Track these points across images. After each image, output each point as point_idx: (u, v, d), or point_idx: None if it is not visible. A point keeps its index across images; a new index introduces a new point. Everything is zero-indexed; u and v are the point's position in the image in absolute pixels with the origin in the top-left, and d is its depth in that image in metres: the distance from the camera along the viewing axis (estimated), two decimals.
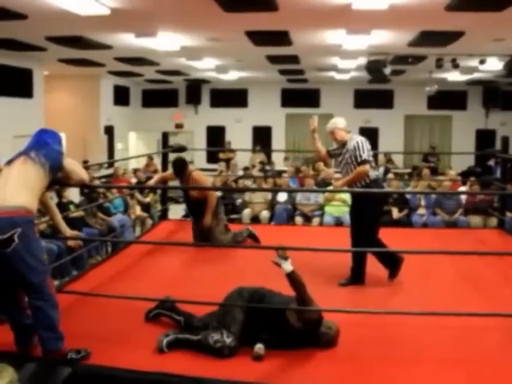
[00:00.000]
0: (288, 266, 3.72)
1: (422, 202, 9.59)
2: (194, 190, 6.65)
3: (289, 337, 3.69)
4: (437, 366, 3.49)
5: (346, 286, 5.07)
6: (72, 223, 6.75)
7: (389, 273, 5.18)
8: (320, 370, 3.47)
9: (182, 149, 8.02)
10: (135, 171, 13.06)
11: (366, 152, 5.06)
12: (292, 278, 3.72)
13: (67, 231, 4.20)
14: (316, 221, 9.67)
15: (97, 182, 9.90)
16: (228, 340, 3.60)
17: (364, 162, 5.02)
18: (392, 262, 5.15)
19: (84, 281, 5.28)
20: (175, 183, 7.37)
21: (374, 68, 10.14)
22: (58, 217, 4.21)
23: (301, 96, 17.05)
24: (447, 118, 16.87)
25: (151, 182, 7.40)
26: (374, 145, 16.61)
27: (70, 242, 4.57)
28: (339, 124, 5.30)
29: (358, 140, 5.12)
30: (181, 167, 6.71)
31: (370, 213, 5.06)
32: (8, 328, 3.66)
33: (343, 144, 5.25)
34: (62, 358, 3.44)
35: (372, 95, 16.40)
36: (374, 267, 5.33)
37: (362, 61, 10.59)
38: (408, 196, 9.68)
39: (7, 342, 3.61)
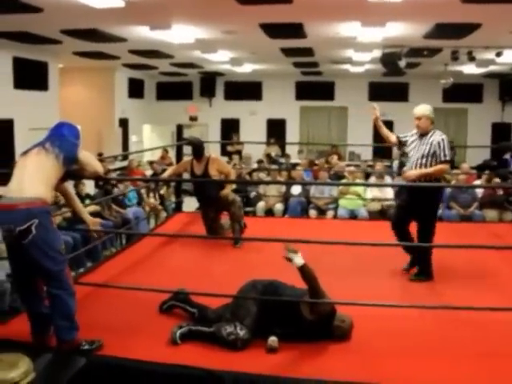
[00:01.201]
0: (299, 260, 3.71)
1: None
2: (214, 170, 6.62)
3: (302, 330, 3.69)
4: (453, 360, 3.47)
5: (364, 279, 5.04)
6: None
7: (417, 271, 5.17)
8: (333, 363, 3.46)
9: (196, 141, 7.96)
10: (151, 163, 13.09)
11: (448, 151, 5.00)
12: (304, 271, 3.71)
13: (89, 219, 4.25)
14: (330, 214, 9.65)
15: (112, 175, 9.94)
16: (241, 332, 3.60)
17: (447, 161, 4.99)
18: (426, 263, 5.13)
19: (98, 272, 5.32)
20: (187, 176, 7.35)
21: (389, 61, 10.06)
22: (80, 205, 4.27)
23: (315, 89, 16.97)
24: (463, 111, 16.72)
25: (165, 175, 7.41)
26: None
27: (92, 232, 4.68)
28: (430, 113, 5.13)
29: (443, 137, 5.01)
30: (201, 148, 6.73)
31: (434, 207, 5.11)
32: (24, 318, 3.70)
33: (422, 134, 5.12)
34: (76, 349, 3.47)
35: (387, 88, 16.26)
36: (390, 261, 5.31)
37: (377, 53, 10.50)
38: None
39: (23, 332, 3.64)
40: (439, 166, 4.95)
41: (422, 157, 5.01)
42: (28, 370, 2.99)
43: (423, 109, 5.16)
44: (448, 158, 4.96)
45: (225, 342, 3.59)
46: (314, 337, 3.71)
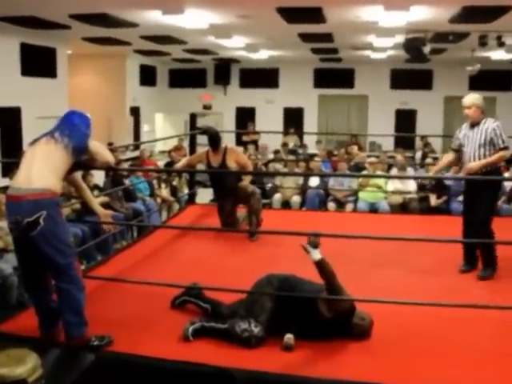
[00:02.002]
0: (316, 254, 3.70)
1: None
2: (232, 161, 6.60)
3: (319, 327, 3.68)
4: (478, 361, 3.44)
5: (385, 275, 5.01)
6: None
7: (483, 267, 5.14)
8: (352, 362, 3.45)
9: (213, 131, 7.93)
10: (170, 152, 13.10)
11: (505, 137, 4.98)
12: (321, 266, 3.70)
13: (100, 210, 4.28)
14: (349, 207, 9.62)
15: (124, 165, 9.98)
16: (256, 329, 3.60)
17: (506, 148, 4.96)
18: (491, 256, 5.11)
19: (109, 266, 5.34)
20: (200, 167, 7.35)
21: (413, 46, 9.97)
22: (91, 196, 4.30)
23: (334, 76, 16.86)
24: (490, 100, 16.49)
25: (178, 166, 7.43)
26: (412, 128, 16.46)
27: (105, 226, 4.68)
28: (480, 102, 5.10)
29: (497, 123, 5.00)
30: (218, 138, 6.74)
31: (492, 199, 5.11)
32: (32, 313, 3.73)
33: (473, 124, 5.09)
34: (85, 345, 3.49)
35: (410, 75, 16.09)
36: (413, 256, 5.28)
37: (400, 39, 10.41)
38: (448, 182, 9.54)
39: (31, 327, 3.67)
40: (499, 154, 4.95)
41: (479, 147, 4.99)
42: (36, 366, 2.99)
43: (472, 98, 5.14)
44: (506, 144, 4.95)
45: (238, 339, 3.59)
46: (332, 335, 3.69)
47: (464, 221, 5.22)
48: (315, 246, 3.71)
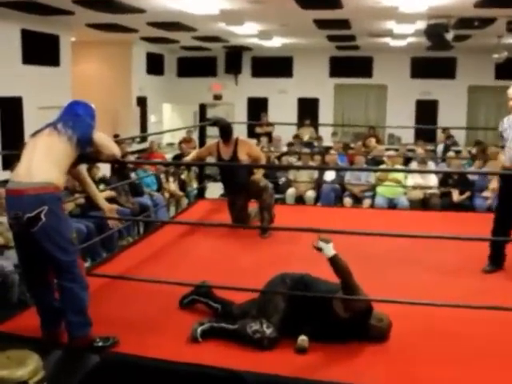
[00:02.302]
0: (329, 251, 3.69)
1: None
2: (243, 154, 6.58)
3: (335, 328, 3.67)
4: (504, 366, 3.42)
5: (404, 274, 4.99)
6: None
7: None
8: (368, 367, 3.43)
9: (224, 122, 7.92)
10: (180, 143, 13.13)
11: None
12: (335, 262, 3.69)
13: (106, 205, 4.29)
14: (367, 202, 9.60)
15: (131, 158, 10.01)
16: (268, 330, 3.60)
17: None
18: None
19: (114, 263, 5.36)
20: (210, 160, 7.35)
21: (435, 33, 9.91)
22: (95, 190, 4.31)
23: (351, 65, 16.76)
24: None
25: (187, 159, 7.42)
26: (433, 119, 16.35)
27: (110, 222, 4.70)
28: None
29: None
30: (229, 129, 6.70)
31: None
32: (33, 312, 3.75)
33: None
34: (89, 346, 3.50)
35: (431, 64, 15.98)
36: (433, 255, 5.25)
37: (421, 25, 10.35)
38: (472, 177, 9.48)
39: (32, 327, 3.69)
40: None
41: None
42: (37, 368, 3.01)
43: None
44: None
45: (250, 341, 3.59)
46: (348, 337, 3.69)
47: (497, 218, 5.16)
48: (327, 241, 3.70)
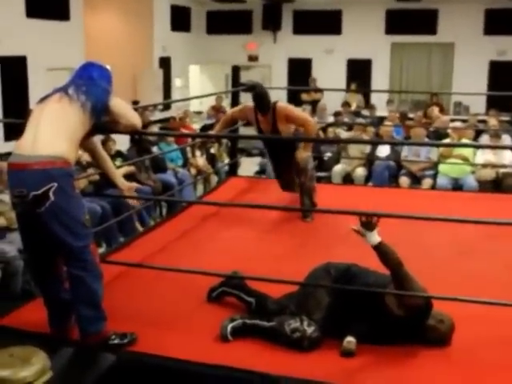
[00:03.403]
0: (373, 238, 3.68)
1: None
2: (284, 123, 6.34)
3: (387, 328, 3.65)
4: None
5: (472, 268, 4.94)
6: None
7: None
8: (425, 375, 3.42)
9: (260, 90, 7.79)
10: (216, 109, 13.15)
11: None
12: (381, 251, 3.67)
13: (123, 183, 4.32)
14: (427, 183, 9.50)
15: (154, 129, 10.04)
16: (309, 329, 3.61)
17: None
18: None
19: (132, 249, 5.42)
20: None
21: None
22: (112, 166, 4.32)
23: (412, 19, 16.53)
24: None
25: (217, 128, 7.32)
26: (510, 85, 16.02)
27: (129, 201, 4.71)
28: None
29: None
30: (267, 100, 6.41)
31: None
32: (40, 304, 3.80)
33: None
34: (103, 343, 3.54)
35: (510, 17, 15.67)
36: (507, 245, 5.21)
37: None
38: None
39: (39, 321, 3.75)
40: None
41: None
42: (44, 368, 3.03)
43: None
44: None
45: (288, 341, 3.61)
46: (402, 338, 3.67)
47: None
48: (370, 227, 3.69)
